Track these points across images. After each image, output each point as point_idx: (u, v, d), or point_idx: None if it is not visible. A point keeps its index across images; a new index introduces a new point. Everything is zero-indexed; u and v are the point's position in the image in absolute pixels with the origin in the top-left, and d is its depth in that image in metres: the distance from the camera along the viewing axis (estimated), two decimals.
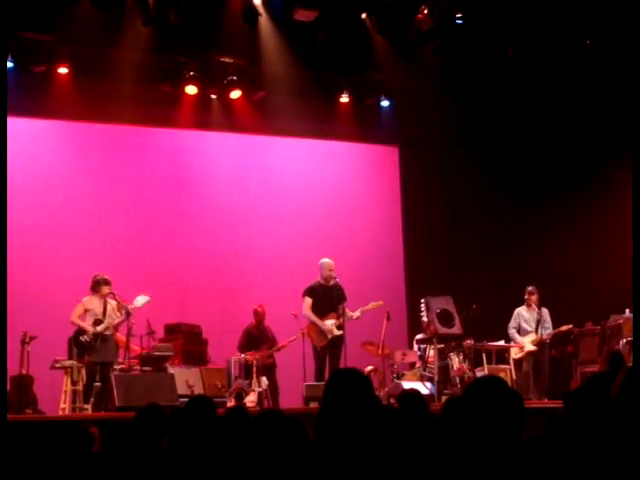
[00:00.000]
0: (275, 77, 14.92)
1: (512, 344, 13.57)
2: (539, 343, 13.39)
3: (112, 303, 11.75)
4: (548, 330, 13.45)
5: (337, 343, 12.16)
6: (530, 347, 13.37)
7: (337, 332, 12.13)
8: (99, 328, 11.54)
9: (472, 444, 3.61)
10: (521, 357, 13.49)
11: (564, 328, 13.58)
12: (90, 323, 11.62)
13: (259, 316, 13.38)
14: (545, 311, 13.56)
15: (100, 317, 11.60)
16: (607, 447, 3.64)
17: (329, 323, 12.21)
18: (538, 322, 13.44)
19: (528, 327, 13.50)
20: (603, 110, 14.75)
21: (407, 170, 17.27)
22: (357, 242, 16.28)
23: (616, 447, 3.58)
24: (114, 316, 11.66)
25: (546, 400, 12.64)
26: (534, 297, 13.54)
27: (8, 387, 11.67)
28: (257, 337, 13.29)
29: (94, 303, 11.72)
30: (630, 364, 8.64)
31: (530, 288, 13.62)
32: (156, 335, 13.04)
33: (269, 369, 13.12)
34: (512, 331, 13.62)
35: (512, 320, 13.66)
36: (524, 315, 13.59)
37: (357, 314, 12.31)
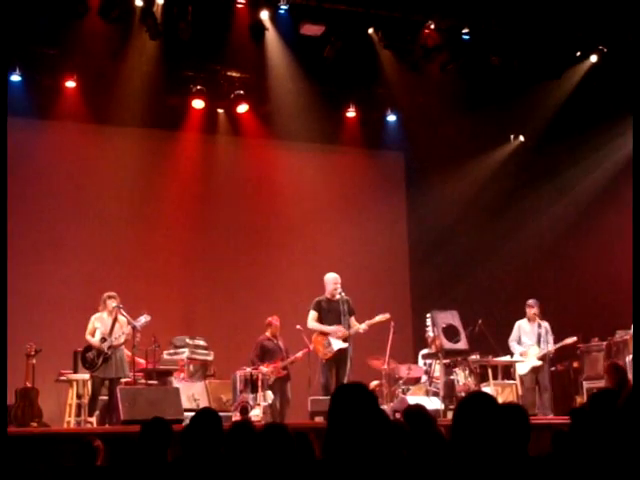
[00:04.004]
0: (282, 91, 14.94)
1: (513, 359, 13.52)
2: (543, 357, 13.33)
3: (121, 320, 11.73)
4: (549, 344, 13.38)
5: (343, 356, 12.09)
6: (535, 362, 13.31)
7: (343, 344, 12.08)
8: (103, 346, 11.54)
9: (474, 460, 3.61)
10: (525, 372, 13.41)
11: (569, 341, 13.50)
12: (97, 340, 11.61)
13: (274, 328, 13.37)
14: (546, 324, 13.48)
15: (106, 336, 11.59)
16: (614, 462, 3.63)
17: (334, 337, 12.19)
18: (539, 336, 13.37)
19: (528, 340, 13.42)
20: (611, 120, 14.72)
21: (413, 184, 17.30)
22: (363, 257, 16.27)
23: (623, 462, 3.57)
24: (121, 333, 11.64)
25: (551, 416, 12.60)
26: (534, 310, 13.44)
27: (14, 400, 11.68)
28: (271, 349, 13.27)
29: (102, 321, 11.72)
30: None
31: (530, 301, 13.53)
32: (162, 349, 13.05)
33: (283, 381, 13.11)
34: (513, 344, 13.52)
35: (513, 333, 13.58)
36: (524, 328, 13.51)
37: (363, 327, 12.24)
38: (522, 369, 13.40)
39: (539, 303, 13.54)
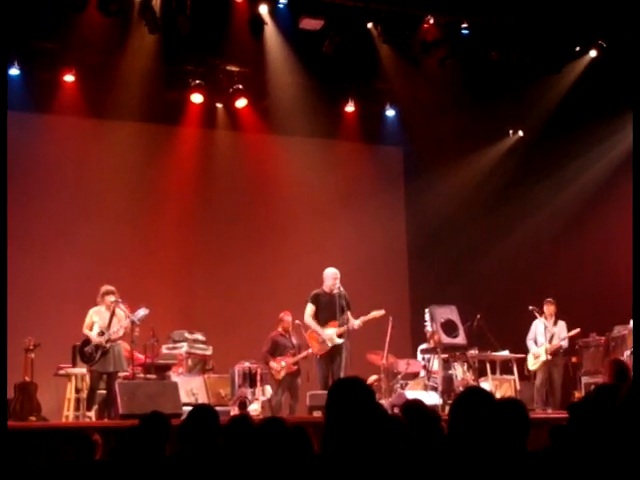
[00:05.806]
0: (281, 86, 14.93)
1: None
2: (552, 352, 13.35)
3: (119, 314, 11.69)
4: (563, 341, 13.43)
5: (339, 351, 12.08)
6: (543, 356, 13.32)
7: (337, 340, 12.07)
8: (101, 339, 11.50)
9: (472, 455, 3.61)
10: (536, 368, 13.50)
11: (572, 333, 13.55)
12: (95, 334, 11.58)
13: (285, 323, 13.30)
14: (561, 323, 13.56)
15: (104, 329, 11.55)
16: (612, 458, 3.63)
17: (329, 332, 12.15)
18: (552, 334, 13.41)
19: (542, 339, 13.47)
20: (610, 115, 14.71)
21: (412, 178, 17.30)
22: (361, 251, 16.26)
23: (621, 458, 3.57)
24: (119, 327, 11.60)
25: (550, 410, 12.61)
26: (550, 308, 13.56)
27: (13, 394, 11.68)
28: (283, 345, 13.18)
29: (99, 315, 11.68)
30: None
31: (547, 299, 13.64)
32: (160, 343, 13.04)
33: (293, 376, 13.03)
34: (529, 342, 13.65)
35: (530, 332, 13.69)
36: (540, 327, 13.56)
37: (358, 323, 12.21)
38: (533, 364, 13.47)
39: (549, 300, 13.63)
